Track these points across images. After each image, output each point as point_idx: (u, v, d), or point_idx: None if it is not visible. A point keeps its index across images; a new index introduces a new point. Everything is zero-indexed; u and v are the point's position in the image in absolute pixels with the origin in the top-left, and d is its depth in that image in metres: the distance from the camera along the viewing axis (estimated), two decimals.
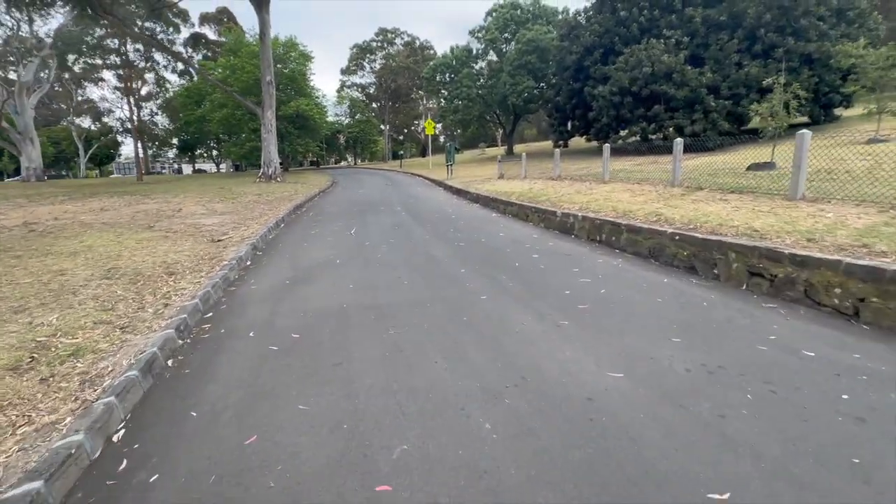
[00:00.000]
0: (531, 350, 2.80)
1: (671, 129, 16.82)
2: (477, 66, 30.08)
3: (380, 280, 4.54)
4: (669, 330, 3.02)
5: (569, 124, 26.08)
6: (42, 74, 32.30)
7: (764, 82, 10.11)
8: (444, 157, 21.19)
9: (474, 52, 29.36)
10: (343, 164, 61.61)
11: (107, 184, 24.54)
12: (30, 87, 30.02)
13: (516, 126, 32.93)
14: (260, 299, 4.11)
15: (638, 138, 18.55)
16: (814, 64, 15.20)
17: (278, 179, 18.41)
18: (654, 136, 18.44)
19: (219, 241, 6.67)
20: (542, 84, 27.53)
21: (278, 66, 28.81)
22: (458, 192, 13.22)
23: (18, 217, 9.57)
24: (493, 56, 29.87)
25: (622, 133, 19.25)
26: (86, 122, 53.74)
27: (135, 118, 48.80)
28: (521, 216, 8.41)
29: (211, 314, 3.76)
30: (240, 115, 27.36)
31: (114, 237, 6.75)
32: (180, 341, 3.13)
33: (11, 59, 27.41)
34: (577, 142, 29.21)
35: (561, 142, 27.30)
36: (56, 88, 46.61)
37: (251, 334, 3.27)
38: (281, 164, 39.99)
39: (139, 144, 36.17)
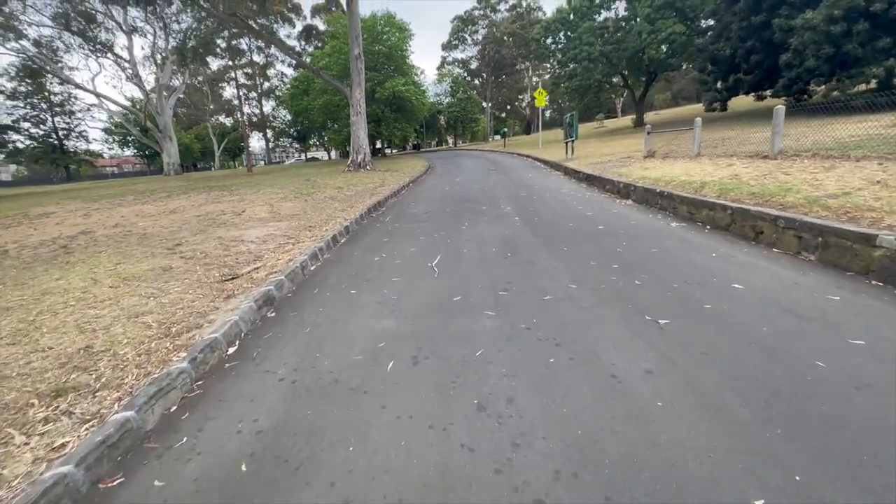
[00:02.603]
0: None
1: None
2: (600, 18, 24.57)
3: None
4: None
5: (730, 79, 19.62)
6: (179, 77, 35.77)
7: None
8: (554, 133, 17.16)
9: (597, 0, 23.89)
10: (443, 146, 59.81)
11: (221, 176, 25.70)
12: (168, 89, 33.29)
13: (649, 88, 26.59)
14: None
15: (872, 86, 12.22)
16: None
17: (368, 168, 16.45)
18: None
19: (233, 279, 4.25)
20: (688, 31, 21.13)
21: (377, 47, 27.18)
22: (590, 180, 9.41)
23: (87, 224, 8.67)
24: (621, 3, 24.05)
25: (842, 80, 12.95)
26: (224, 120, 60.60)
27: (245, 112, 52.95)
28: (739, 231, 4.52)
29: None
30: (338, 100, 26.41)
31: (109, 266, 4.78)
32: None
33: (149, 63, 30.26)
34: (739, 102, 22.19)
35: (716, 104, 20.83)
36: (204, 89, 52.93)
37: None
38: (379, 148, 39.19)
39: (248, 138, 38.55)
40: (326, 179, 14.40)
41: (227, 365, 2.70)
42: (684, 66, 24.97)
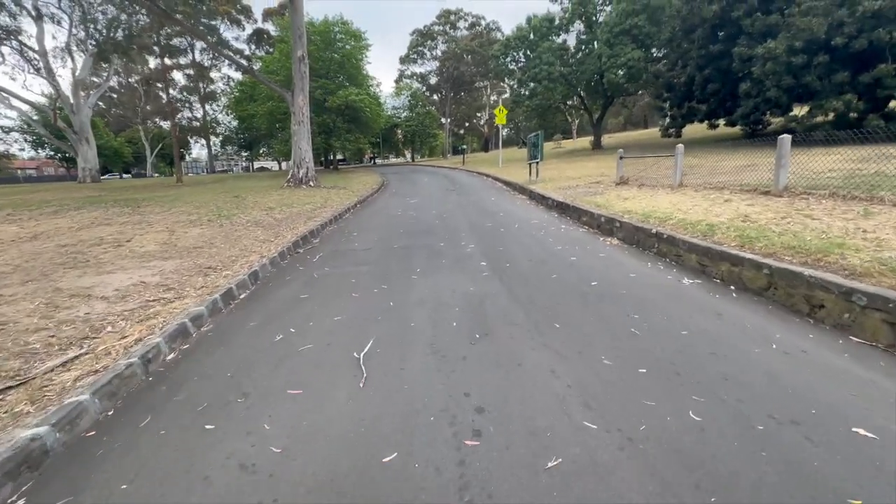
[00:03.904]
0: None
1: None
2: (559, 40, 24.43)
3: None
4: None
5: (685, 106, 19.85)
6: (104, 73, 31.99)
7: None
8: (512, 152, 16.27)
9: (557, 21, 23.74)
10: (400, 159, 58.42)
11: (143, 186, 22.60)
12: (89, 86, 29.52)
13: (606, 112, 26.75)
14: None
15: (830, 118, 12.24)
16: None
17: (311, 184, 14.60)
18: (854, 115, 12.03)
19: (9, 389, 2.46)
20: (645, 58, 21.29)
21: (329, 53, 25.46)
22: (562, 209, 8.26)
23: None
24: (580, 26, 24.05)
25: (799, 112, 12.96)
26: (162, 123, 55.43)
27: (186, 117, 49.08)
28: (783, 300, 3.35)
29: None
30: (285, 107, 24.19)
31: None
32: None
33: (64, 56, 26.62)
34: (692, 130, 22.60)
35: (672, 130, 21.02)
36: (141, 89, 47.96)
37: None
38: (331, 161, 36.89)
39: (180, 144, 35.26)
40: (259, 196, 12.41)
41: None
42: (640, 92, 25.35)
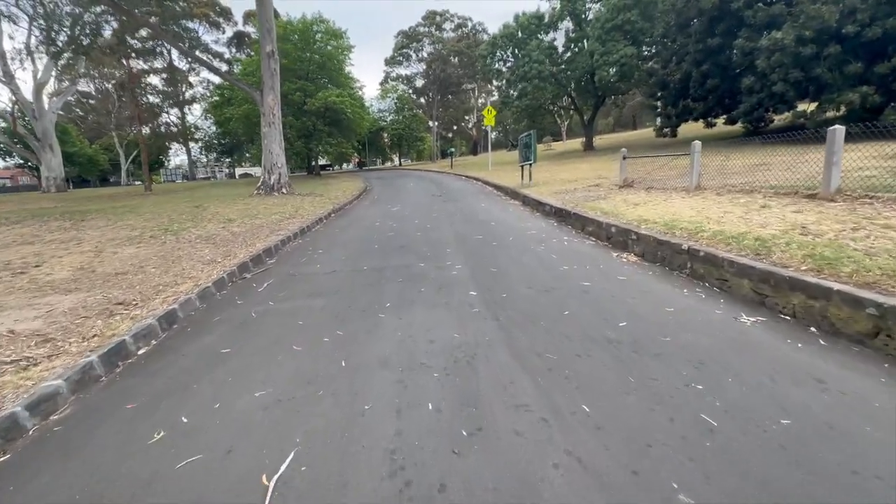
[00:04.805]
0: None
1: None
2: (548, 38, 23.61)
3: None
4: None
5: (680, 105, 19.07)
6: (70, 76, 30.30)
7: None
8: (500, 155, 15.30)
9: (546, 18, 22.91)
10: (387, 164, 57.22)
11: (108, 196, 21.04)
12: (58, 91, 27.93)
13: (597, 112, 25.97)
14: None
15: (840, 113, 11.44)
16: None
17: (284, 191, 13.39)
18: (864, 109, 11.25)
19: None
20: (638, 54, 20.53)
21: (309, 54, 24.28)
22: (562, 217, 7.22)
23: None
24: (569, 24, 23.25)
25: (807, 107, 12.16)
26: (144, 129, 53.22)
27: (163, 122, 47.36)
28: None
29: None
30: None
31: None
32: None
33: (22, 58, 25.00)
34: (687, 129, 21.86)
35: (667, 129, 20.26)
36: (117, 95, 45.96)
37: None
38: (313, 166, 35.40)
39: (146, 151, 33.80)
40: (223, 206, 11.17)
41: None
42: (632, 91, 24.65)
